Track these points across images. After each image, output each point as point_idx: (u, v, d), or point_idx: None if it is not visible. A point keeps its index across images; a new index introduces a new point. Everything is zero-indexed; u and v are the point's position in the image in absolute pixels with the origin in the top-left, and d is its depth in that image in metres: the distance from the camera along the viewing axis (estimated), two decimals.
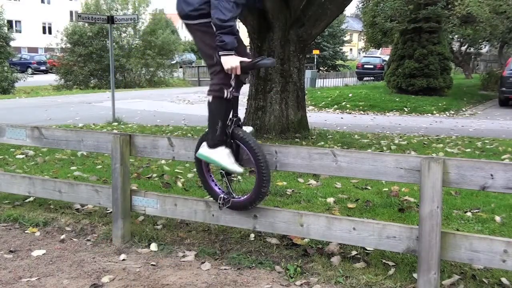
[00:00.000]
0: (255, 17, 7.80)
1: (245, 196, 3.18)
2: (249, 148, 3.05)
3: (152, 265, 3.27)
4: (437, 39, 17.47)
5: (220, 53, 2.90)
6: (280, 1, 7.71)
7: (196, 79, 33.50)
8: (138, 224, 3.90)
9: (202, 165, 3.28)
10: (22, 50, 42.80)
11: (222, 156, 3.07)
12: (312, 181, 5.08)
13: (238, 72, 2.94)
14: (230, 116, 3.11)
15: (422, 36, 17.30)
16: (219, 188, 3.29)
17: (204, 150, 3.14)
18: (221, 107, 3.06)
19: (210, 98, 3.06)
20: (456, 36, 24.12)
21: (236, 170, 3.08)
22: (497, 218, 3.92)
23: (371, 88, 20.03)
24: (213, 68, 3.04)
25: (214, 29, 2.89)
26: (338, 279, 3.02)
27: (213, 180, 3.31)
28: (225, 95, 3.02)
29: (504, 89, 16.26)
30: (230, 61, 2.90)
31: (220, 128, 3.07)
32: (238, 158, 3.16)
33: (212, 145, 3.10)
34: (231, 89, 3.03)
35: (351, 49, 68.17)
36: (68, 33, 28.16)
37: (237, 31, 2.91)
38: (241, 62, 2.93)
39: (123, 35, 29.29)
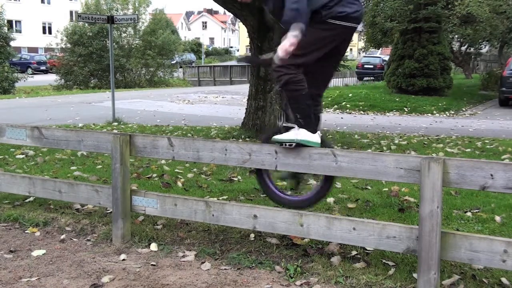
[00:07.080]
0: (255, 17, 7.79)
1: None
2: None
3: (152, 265, 3.27)
4: (437, 39, 17.45)
5: None
6: (280, 1, 7.71)
7: (196, 79, 33.55)
8: (138, 224, 3.90)
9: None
10: (22, 50, 42.79)
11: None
12: (312, 181, 5.08)
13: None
14: None
15: (422, 36, 17.28)
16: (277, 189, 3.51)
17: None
18: None
19: None
20: (456, 36, 24.04)
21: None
22: (497, 218, 3.92)
23: (371, 88, 20.01)
24: None
25: None
26: (338, 279, 3.02)
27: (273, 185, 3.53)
28: None
29: (504, 89, 16.23)
30: None
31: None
32: None
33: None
34: None
35: (351, 49, 68.10)
36: (68, 33, 28.12)
37: None
38: None
39: (123, 35, 29.24)
